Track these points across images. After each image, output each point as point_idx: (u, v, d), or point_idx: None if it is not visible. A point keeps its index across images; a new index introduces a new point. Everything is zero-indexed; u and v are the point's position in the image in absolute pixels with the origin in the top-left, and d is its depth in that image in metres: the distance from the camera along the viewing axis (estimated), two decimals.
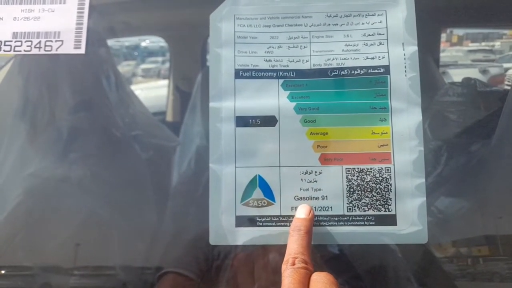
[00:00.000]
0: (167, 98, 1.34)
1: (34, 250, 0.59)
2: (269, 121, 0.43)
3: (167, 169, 0.75)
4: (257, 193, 0.42)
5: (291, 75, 0.43)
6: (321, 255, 0.48)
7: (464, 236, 0.59)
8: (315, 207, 0.42)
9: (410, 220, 0.41)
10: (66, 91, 0.69)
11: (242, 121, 0.43)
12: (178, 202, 0.67)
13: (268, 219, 0.42)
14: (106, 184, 0.68)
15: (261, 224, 0.42)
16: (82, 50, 0.43)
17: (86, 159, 0.67)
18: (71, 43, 0.42)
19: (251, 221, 0.42)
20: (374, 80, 0.43)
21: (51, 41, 0.42)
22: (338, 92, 0.43)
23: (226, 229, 0.42)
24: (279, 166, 0.42)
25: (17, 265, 0.59)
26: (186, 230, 0.59)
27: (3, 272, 0.59)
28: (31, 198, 0.63)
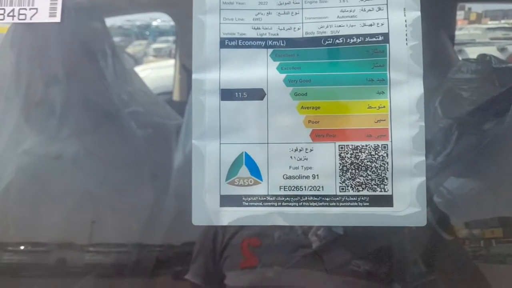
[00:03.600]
0: (173, 77, 1.31)
1: (27, 228, 0.58)
2: (256, 94, 0.40)
3: (167, 147, 0.73)
4: (243, 171, 0.39)
5: (281, 44, 0.40)
6: (323, 236, 0.44)
7: (475, 218, 0.56)
8: (305, 187, 0.39)
9: (408, 201, 0.38)
10: (58, 67, 0.67)
11: (228, 94, 0.40)
12: (183, 182, 0.65)
13: (254, 198, 0.39)
14: (101, 162, 0.67)
15: (247, 204, 0.39)
16: (57, 19, 0.40)
17: (80, 135, 0.66)
18: (46, 11, 0.40)
19: (237, 201, 0.39)
20: (372, 49, 0.39)
21: (25, 9, 0.39)
22: (332, 62, 0.39)
23: (210, 209, 0.39)
24: (267, 143, 0.40)
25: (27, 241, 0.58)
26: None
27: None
28: (24, 176, 0.62)
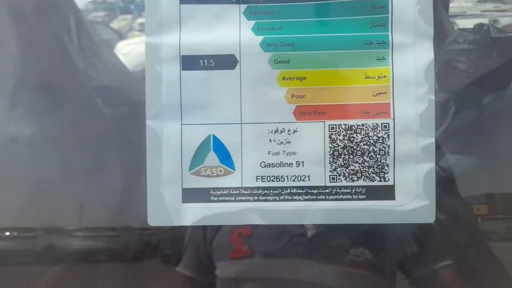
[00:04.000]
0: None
1: None
2: (227, 62, 0.31)
3: (142, 125, 0.65)
4: (211, 159, 0.32)
5: None
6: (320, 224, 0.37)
7: (470, 195, 0.49)
8: (287, 177, 0.32)
9: (413, 193, 0.31)
10: (10, 40, 0.58)
11: (190, 62, 0.31)
12: None
13: (225, 192, 0.32)
14: (60, 145, 0.58)
15: (216, 198, 0.32)
16: None
17: (36, 115, 0.57)
18: None
19: (203, 195, 0.32)
20: (371, 4, 0.31)
21: None
22: (320, 21, 0.31)
23: (169, 205, 0.32)
24: (241, 123, 0.32)
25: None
26: None
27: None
28: None
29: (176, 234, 0.43)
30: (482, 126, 0.61)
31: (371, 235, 0.39)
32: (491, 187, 0.50)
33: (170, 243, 0.43)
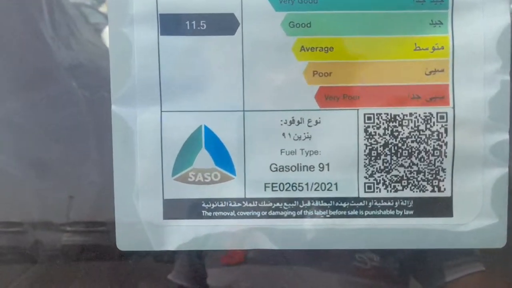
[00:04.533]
0: None
1: None
2: (223, 24, 0.22)
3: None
4: (203, 159, 0.23)
5: None
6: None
7: None
8: (307, 185, 0.23)
9: (478, 208, 0.23)
10: None
11: (172, 23, 0.22)
12: None
13: (223, 204, 0.23)
14: (24, 134, 0.49)
15: (210, 214, 0.23)
16: None
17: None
18: None
19: (193, 209, 0.23)
20: None
21: None
22: None
23: (146, 223, 0.23)
24: (243, 111, 0.23)
25: None
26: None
27: None
28: None
29: None
30: None
31: (381, 239, 0.31)
32: None
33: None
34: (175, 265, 0.36)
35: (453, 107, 0.23)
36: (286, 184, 0.23)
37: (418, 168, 0.23)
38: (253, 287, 0.32)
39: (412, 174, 0.23)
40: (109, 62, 0.41)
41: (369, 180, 0.23)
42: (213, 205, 0.23)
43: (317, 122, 0.23)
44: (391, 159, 0.23)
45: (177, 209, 0.23)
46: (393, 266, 0.30)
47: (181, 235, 0.23)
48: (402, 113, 0.23)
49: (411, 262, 0.28)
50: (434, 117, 0.23)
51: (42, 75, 0.54)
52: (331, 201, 0.23)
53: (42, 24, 0.57)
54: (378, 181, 0.23)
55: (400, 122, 0.23)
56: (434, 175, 0.23)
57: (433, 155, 0.23)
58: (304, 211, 0.23)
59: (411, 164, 0.23)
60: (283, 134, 0.23)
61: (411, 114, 0.23)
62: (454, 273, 0.28)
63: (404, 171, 0.23)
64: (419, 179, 0.23)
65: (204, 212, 0.23)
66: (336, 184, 0.23)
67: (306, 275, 0.31)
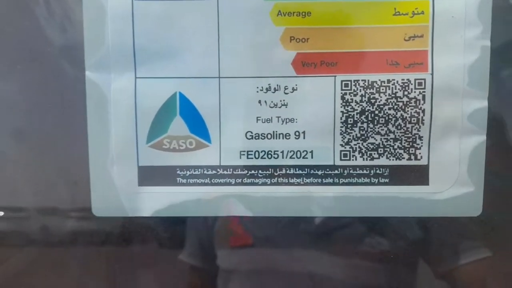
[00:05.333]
0: None
1: None
2: None
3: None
4: (178, 126, 0.23)
5: None
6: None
7: None
8: (283, 152, 0.23)
9: (455, 176, 0.23)
10: None
11: None
12: None
13: (198, 172, 0.23)
14: (15, 113, 0.49)
15: (185, 181, 0.23)
16: None
17: None
18: None
19: (168, 176, 0.23)
20: None
21: None
22: None
23: (121, 190, 0.23)
24: (219, 77, 0.23)
25: None
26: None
27: None
28: None
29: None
30: None
31: (390, 221, 0.30)
32: None
33: (170, 226, 0.35)
34: (186, 246, 0.36)
35: (432, 74, 0.22)
36: (261, 151, 0.23)
37: (395, 136, 0.23)
38: (260, 270, 0.32)
39: (388, 142, 0.23)
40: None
41: (345, 148, 0.23)
42: (188, 172, 0.23)
43: (293, 89, 0.23)
44: (367, 126, 0.23)
45: (152, 176, 0.23)
46: (401, 250, 0.30)
47: (156, 201, 0.23)
48: (379, 80, 0.22)
49: (419, 246, 0.28)
50: (412, 84, 0.22)
51: (35, 54, 0.54)
52: (306, 169, 0.23)
53: (37, 8, 0.57)
54: (354, 149, 0.23)
55: (378, 89, 0.22)
56: (411, 143, 0.23)
57: (410, 122, 0.23)
58: (279, 179, 0.23)
59: (387, 131, 0.23)
60: (259, 102, 0.23)
61: (388, 81, 0.22)
62: (464, 258, 0.28)
63: (381, 139, 0.23)
64: (395, 147, 0.23)
65: (179, 179, 0.23)
66: (311, 152, 0.23)
67: (314, 259, 0.31)
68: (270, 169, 0.23)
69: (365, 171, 0.23)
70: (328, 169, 0.23)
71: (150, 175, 0.23)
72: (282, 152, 0.23)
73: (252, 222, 0.31)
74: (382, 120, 0.23)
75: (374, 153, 0.23)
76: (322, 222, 0.30)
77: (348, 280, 0.31)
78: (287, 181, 0.23)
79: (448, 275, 0.29)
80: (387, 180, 0.23)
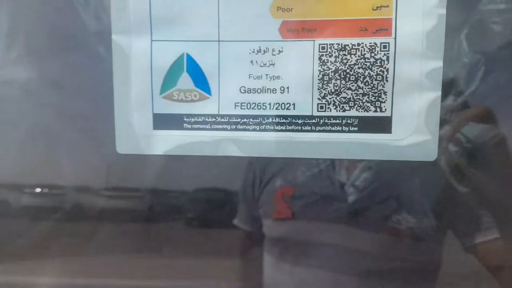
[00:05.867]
0: None
1: None
2: None
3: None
4: (185, 81, 0.28)
5: None
6: (362, 188, 0.34)
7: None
8: (270, 104, 0.28)
9: (413, 126, 0.27)
10: None
11: None
12: None
13: (200, 119, 0.28)
14: (59, 91, 0.55)
15: (190, 126, 0.28)
16: None
17: (32, 58, 0.54)
18: None
19: (176, 121, 0.29)
20: None
21: None
22: None
23: (139, 132, 0.29)
24: (218, 41, 0.28)
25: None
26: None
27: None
28: None
29: (199, 196, 0.40)
30: None
31: (416, 201, 0.34)
32: None
33: (194, 205, 0.41)
34: (238, 213, 0.41)
35: (395, 38, 0.26)
36: (252, 103, 0.28)
37: (363, 91, 0.27)
38: (299, 240, 0.37)
39: (358, 96, 0.27)
40: None
41: (321, 101, 0.27)
42: (193, 119, 0.28)
43: (279, 52, 0.27)
44: (340, 83, 0.27)
45: (164, 121, 0.29)
46: (428, 226, 0.33)
47: (166, 142, 0.29)
48: (351, 43, 0.27)
49: (446, 221, 0.31)
50: (378, 47, 0.26)
51: (72, 40, 0.60)
52: (289, 118, 0.28)
53: None
54: (329, 102, 0.27)
55: (349, 51, 0.27)
56: (376, 97, 0.27)
57: (376, 79, 0.27)
58: (266, 126, 0.28)
59: (357, 87, 0.27)
60: (251, 62, 0.28)
61: (358, 44, 0.27)
62: (489, 234, 0.32)
63: (351, 94, 0.27)
64: (364, 100, 0.27)
65: (185, 125, 0.28)
66: (294, 104, 0.28)
67: (346, 233, 0.35)
68: (259, 118, 0.28)
69: (337, 121, 0.27)
70: (307, 119, 0.28)
71: (162, 121, 0.29)
72: (270, 104, 0.28)
73: (292, 198, 0.36)
74: (352, 78, 0.27)
75: (346, 106, 0.27)
76: (355, 200, 0.34)
77: (377, 253, 0.35)
78: (272, 128, 0.28)
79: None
80: (356, 129, 0.27)
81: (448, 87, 0.27)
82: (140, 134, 0.29)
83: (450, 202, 0.33)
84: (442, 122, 0.27)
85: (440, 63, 0.26)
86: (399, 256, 0.35)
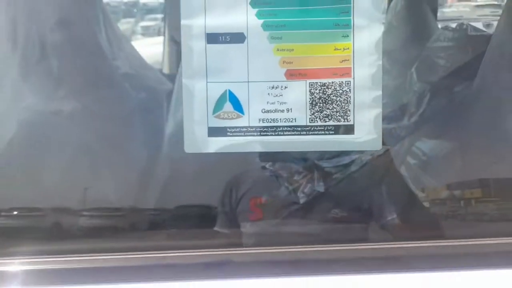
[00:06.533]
0: (162, 49, 1.34)
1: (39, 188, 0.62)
2: (238, 38, 0.45)
3: (158, 110, 0.77)
4: (228, 107, 0.46)
5: None
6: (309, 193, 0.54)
7: (447, 179, 0.63)
8: (280, 119, 0.46)
9: (367, 129, 0.45)
10: (55, 31, 0.70)
11: (213, 38, 0.45)
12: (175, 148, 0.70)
13: (237, 129, 0.46)
14: (97, 118, 0.70)
15: (231, 134, 0.46)
16: None
17: (77, 94, 0.69)
18: None
19: (222, 131, 0.46)
20: None
21: None
22: (304, 10, 0.45)
23: (199, 138, 0.46)
24: (248, 82, 0.46)
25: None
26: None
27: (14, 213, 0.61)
28: (25, 129, 0.65)
29: (180, 213, 0.57)
30: (453, 111, 0.76)
31: (345, 200, 0.54)
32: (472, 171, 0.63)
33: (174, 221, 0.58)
34: (218, 220, 0.59)
35: (353, 79, 0.45)
36: (269, 119, 0.46)
37: (336, 110, 0.45)
38: (267, 232, 0.55)
39: (333, 113, 0.45)
40: (149, 71, 0.66)
41: (311, 116, 0.45)
42: (233, 130, 0.46)
43: (285, 88, 0.45)
44: (322, 105, 0.45)
45: (215, 131, 0.46)
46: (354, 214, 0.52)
47: (216, 144, 0.46)
48: (328, 82, 0.45)
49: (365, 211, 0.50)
50: (344, 83, 0.45)
51: (104, 77, 0.77)
52: (292, 127, 0.46)
53: (101, 40, 0.80)
54: (316, 116, 0.45)
55: (327, 86, 0.45)
56: (344, 113, 0.45)
57: (343, 103, 0.45)
58: (279, 132, 0.46)
59: (332, 108, 0.45)
60: (268, 94, 0.46)
61: (333, 82, 0.45)
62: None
63: (329, 111, 0.45)
64: (337, 115, 0.45)
65: (228, 133, 0.46)
66: (295, 118, 0.46)
67: (302, 224, 0.54)
68: (274, 128, 0.46)
69: (322, 128, 0.45)
70: (303, 127, 0.45)
71: (214, 131, 0.46)
72: (280, 119, 0.46)
73: (262, 204, 0.54)
74: (329, 102, 0.45)
75: (326, 119, 0.45)
76: (305, 202, 0.53)
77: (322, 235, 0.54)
78: (283, 133, 0.46)
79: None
80: (333, 132, 0.45)
81: (402, 109, 0.45)
82: (200, 140, 0.46)
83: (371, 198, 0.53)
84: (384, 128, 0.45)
85: (379, 92, 0.45)
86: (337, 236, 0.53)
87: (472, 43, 0.89)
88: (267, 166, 0.55)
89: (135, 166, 0.65)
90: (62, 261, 0.44)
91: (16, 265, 0.45)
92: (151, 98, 0.78)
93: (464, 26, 0.98)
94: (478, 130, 0.69)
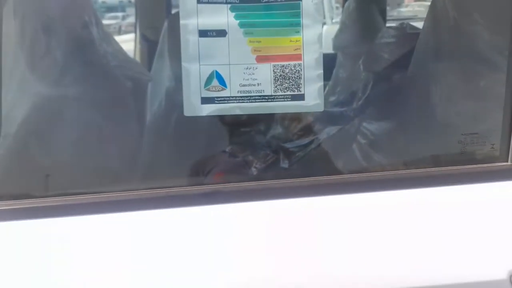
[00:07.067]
0: (134, 48, 1.48)
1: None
2: (221, 33, 0.64)
3: (141, 100, 0.94)
4: (215, 82, 0.64)
5: (236, 1, 0.64)
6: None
7: (391, 155, 0.84)
8: (253, 90, 0.64)
9: (313, 97, 0.64)
10: (59, 30, 0.84)
11: (203, 33, 0.63)
12: (152, 139, 0.89)
13: (222, 98, 0.64)
14: (99, 102, 0.85)
15: (218, 102, 0.64)
16: None
17: (80, 82, 0.83)
18: None
19: (212, 100, 0.64)
20: (291, 6, 0.64)
21: None
22: (268, 13, 0.64)
23: (195, 106, 0.64)
24: (229, 64, 0.64)
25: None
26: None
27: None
28: (36, 112, 0.76)
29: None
30: (392, 95, 0.97)
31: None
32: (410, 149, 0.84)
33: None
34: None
35: (303, 62, 0.64)
36: (245, 91, 0.64)
37: (292, 83, 0.64)
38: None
39: (290, 85, 0.64)
40: (132, 64, 0.86)
41: (275, 88, 0.64)
42: (219, 99, 0.64)
43: (256, 68, 0.64)
44: (282, 80, 0.64)
45: (206, 100, 0.64)
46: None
47: (207, 109, 0.64)
48: (286, 64, 0.64)
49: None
50: (297, 65, 0.64)
51: (101, 67, 0.94)
52: (261, 96, 0.64)
53: (95, 36, 0.97)
54: (278, 88, 0.64)
55: (286, 67, 0.64)
56: (298, 86, 0.64)
57: (297, 79, 0.64)
58: (252, 100, 0.64)
59: (289, 82, 0.64)
60: (244, 73, 0.64)
61: (289, 65, 0.64)
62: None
63: (287, 85, 0.64)
64: (293, 87, 0.64)
65: (215, 101, 0.64)
66: (263, 90, 0.64)
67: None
68: (248, 97, 0.64)
69: (282, 96, 0.64)
70: (269, 96, 0.64)
71: (205, 100, 0.64)
72: (253, 90, 0.64)
73: (223, 177, 0.73)
74: (287, 78, 0.64)
75: (286, 90, 0.64)
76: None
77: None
78: (254, 101, 0.64)
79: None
80: (290, 99, 0.64)
81: (352, 95, 0.65)
82: (195, 107, 0.64)
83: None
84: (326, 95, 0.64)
85: (320, 71, 0.64)
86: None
87: (408, 39, 1.10)
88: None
89: (127, 137, 0.82)
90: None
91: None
92: (135, 88, 0.93)
93: (404, 25, 1.20)
94: (412, 110, 0.90)
